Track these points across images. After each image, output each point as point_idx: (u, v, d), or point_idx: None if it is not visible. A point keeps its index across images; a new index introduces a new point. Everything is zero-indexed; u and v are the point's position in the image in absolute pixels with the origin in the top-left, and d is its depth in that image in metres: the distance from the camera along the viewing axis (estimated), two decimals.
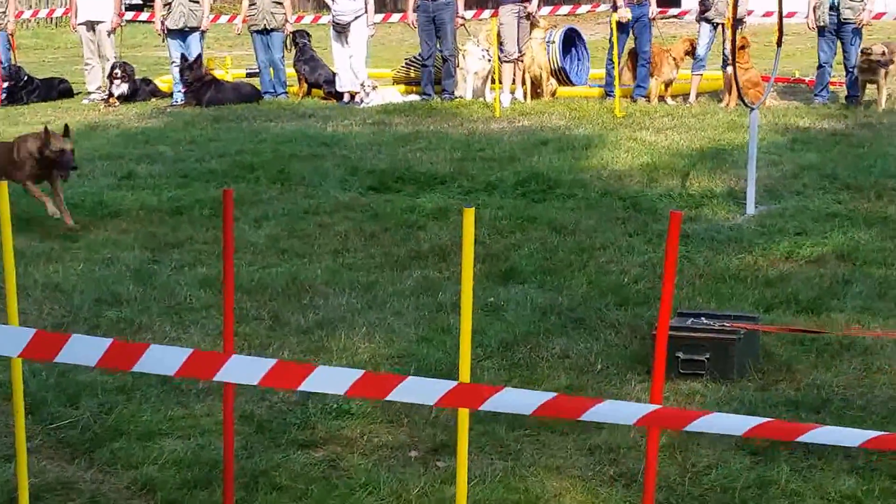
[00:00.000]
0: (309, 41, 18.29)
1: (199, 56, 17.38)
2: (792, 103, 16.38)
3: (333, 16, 17.24)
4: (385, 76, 19.33)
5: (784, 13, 11.39)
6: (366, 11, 17.13)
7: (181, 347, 3.92)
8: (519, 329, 7.27)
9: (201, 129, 14.89)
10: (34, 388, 6.18)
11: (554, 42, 17.57)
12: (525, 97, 17.07)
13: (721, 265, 8.61)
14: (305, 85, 18.23)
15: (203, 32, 17.82)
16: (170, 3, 17.35)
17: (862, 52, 15.50)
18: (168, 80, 18.60)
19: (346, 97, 17.39)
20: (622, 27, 16.54)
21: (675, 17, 24.53)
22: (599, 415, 3.36)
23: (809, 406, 6.02)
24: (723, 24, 16.29)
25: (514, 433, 5.76)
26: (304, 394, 5.90)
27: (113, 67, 17.81)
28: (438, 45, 17.30)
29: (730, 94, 15.90)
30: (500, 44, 16.64)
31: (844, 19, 15.77)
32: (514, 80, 17.08)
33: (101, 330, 7.33)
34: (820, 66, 16.28)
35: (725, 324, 6.53)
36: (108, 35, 18.23)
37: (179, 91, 17.46)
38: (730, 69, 14.78)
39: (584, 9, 22.61)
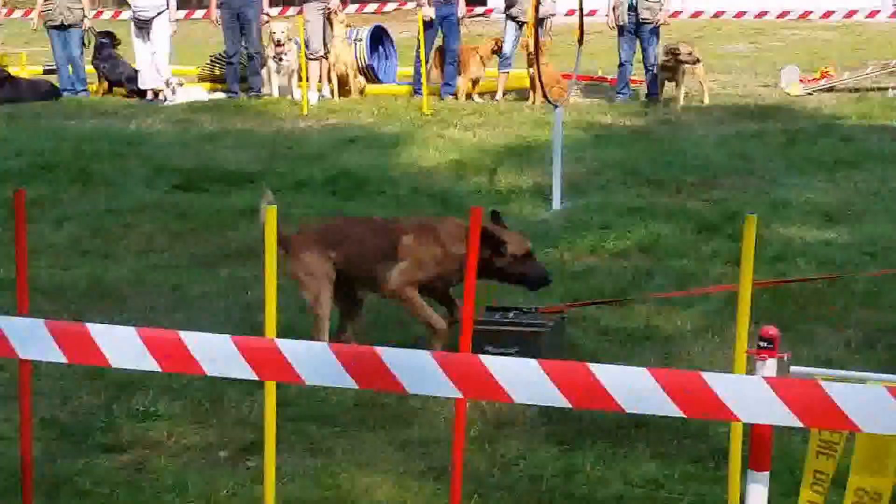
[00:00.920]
0: (111, 41, 17.94)
1: None
2: (595, 101, 16.75)
3: (134, 12, 17.00)
4: (190, 73, 19.06)
5: (585, 12, 11.64)
6: (167, 7, 16.91)
7: None
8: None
9: None
10: None
11: (361, 40, 17.63)
12: (333, 95, 17.05)
13: None
14: (106, 83, 17.89)
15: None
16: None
17: (670, 50, 15.93)
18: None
19: (150, 95, 17.13)
20: (429, 25, 16.68)
21: (481, 15, 24.83)
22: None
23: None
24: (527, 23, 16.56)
25: (325, 430, 5.76)
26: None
27: None
28: (243, 43, 17.15)
29: (535, 91, 16.16)
30: (307, 41, 16.61)
31: (643, 19, 16.23)
32: (320, 78, 17.07)
33: None
34: (621, 65, 16.72)
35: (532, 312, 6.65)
36: None
37: None
38: (533, 68, 15.06)
39: (391, 7, 22.70)
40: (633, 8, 16.24)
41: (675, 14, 19.34)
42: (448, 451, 5.34)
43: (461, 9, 16.97)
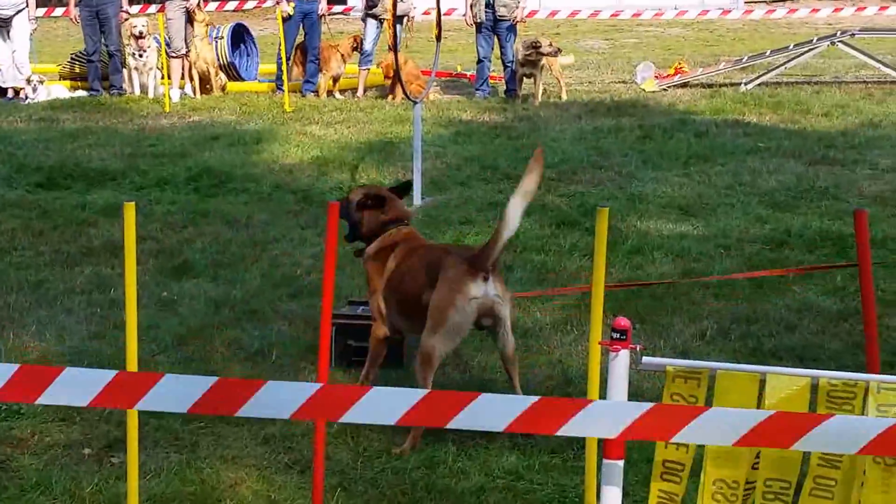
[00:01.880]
0: None
1: None
2: (455, 97, 16.91)
3: None
4: (51, 71, 18.80)
5: (443, 10, 11.77)
6: (27, 5, 16.66)
7: None
8: (193, 322, 7.30)
9: None
10: None
11: (223, 38, 17.55)
12: (194, 93, 16.97)
13: None
14: None
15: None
16: None
17: (531, 45, 16.12)
18: None
19: (11, 93, 16.89)
20: (289, 22, 16.71)
21: (341, 13, 24.86)
22: (263, 402, 3.45)
23: (476, 387, 6.24)
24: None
25: (189, 426, 5.79)
26: None
27: None
28: (103, 41, 16.97)
29: (395, 88, 16.26)
30: (168, 39, 16.53)
31: (500, 16, 16.47)
32: (182, 76, 16.99)
33: None
34: (479, 62, 16.93)
35: None
36: None
37: None
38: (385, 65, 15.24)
39: (250, 4, 22.61)
40: (490, 5, 16.47)
41: (532, 13, 19.60)
42: (311, 445, 5.45)
43: (322, 6, 17.02)
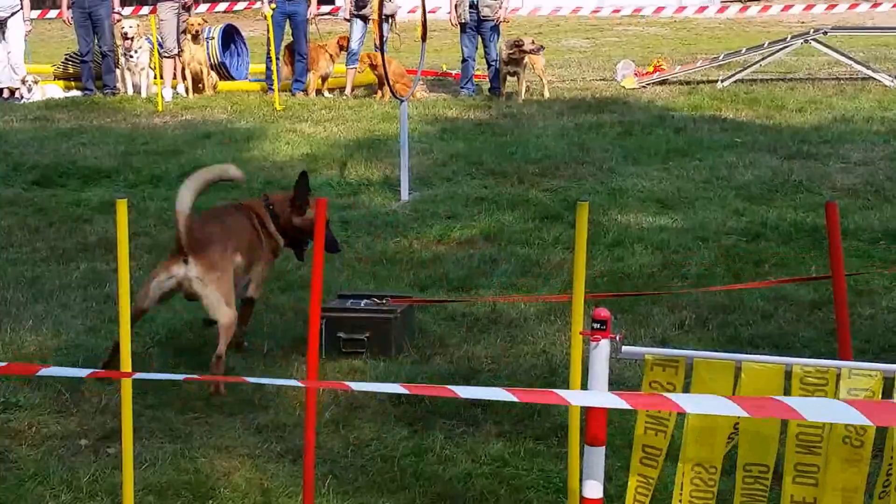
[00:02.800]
0: None
1: None
2: (441, 95, 17.02)
3: None
4: (45, 72, 18.97)
5: (428, 10, 11.91)
6: (21, 7, 16.83)
7: None
8: (186, 316, 7.35)
9: None
10: None
11: (214, 38, 17.69)
12: (187, 92, 17.11)
13: (379, 249, 9.00)
14: None
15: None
16: None
17: (514, 44, 16.27)
18: None
19: (6, 93, 17.07)
20: (278, 23, 16.84)
21: (328, 14, 24.96)
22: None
23: (462, 377, 6.38)
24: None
25: (183, 416, 5.91)
26: None
27: None
28: (96, 41, 17.10)
29: (382, 87, 16.38)
30: (161, 40, 16.69)
31: (483, 16, 16.62)
32: (175, 76, 17.14)
33: None
34: (464, 61, 17.07)
35: (384, 302, 6.89)
36: None
37: None
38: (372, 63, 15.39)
39: (241, 6, 22.77)
40: (474, 6, 16.61)
41: (514, 10, 19.73)
42: (303, 434, 5.59)
43: (311, 9, 17.22)
